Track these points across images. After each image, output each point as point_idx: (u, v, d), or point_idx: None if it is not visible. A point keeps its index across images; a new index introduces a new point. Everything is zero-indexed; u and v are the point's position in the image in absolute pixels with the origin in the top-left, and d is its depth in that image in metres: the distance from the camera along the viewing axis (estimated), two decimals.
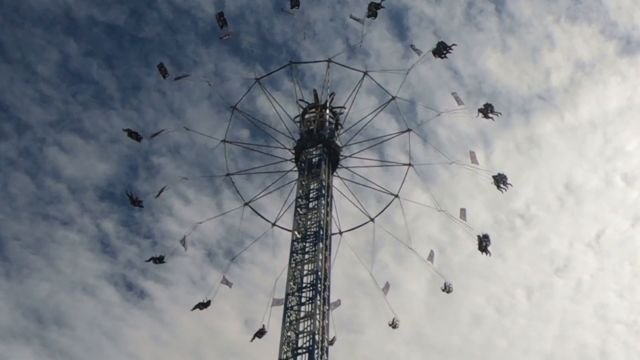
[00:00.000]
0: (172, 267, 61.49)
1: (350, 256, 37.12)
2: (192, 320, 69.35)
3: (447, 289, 37.16)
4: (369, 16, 37.72)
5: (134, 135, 39.21)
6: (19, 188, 68.09)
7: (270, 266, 37.50)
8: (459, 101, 37.58)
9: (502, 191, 36.23)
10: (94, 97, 72.19)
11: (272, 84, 40.53)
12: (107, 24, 72.79)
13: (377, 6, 37.30)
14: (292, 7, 38.18)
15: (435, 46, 36.69)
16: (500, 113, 37.16)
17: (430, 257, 37.24)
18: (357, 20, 38.67)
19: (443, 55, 36.55)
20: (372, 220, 38.76)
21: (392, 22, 68.62)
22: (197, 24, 70.49)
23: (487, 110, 36.86)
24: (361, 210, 38.96)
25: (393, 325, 37.31)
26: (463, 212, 37.05)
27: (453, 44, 36.70)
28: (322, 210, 34.62)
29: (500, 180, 36.58)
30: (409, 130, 38.34)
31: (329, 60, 39.27)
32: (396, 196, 38.48)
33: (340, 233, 38.14)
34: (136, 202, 38.62)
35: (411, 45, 38.46)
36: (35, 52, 70.53)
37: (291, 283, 31.84)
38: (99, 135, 70.27)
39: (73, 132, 71.08)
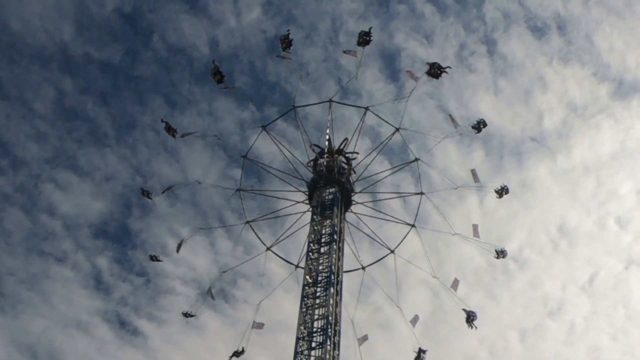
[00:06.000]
0: (165, 305, 64.08)
1: (344, 297, 37.57)
2: (185, 358, 68.38)
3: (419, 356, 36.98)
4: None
5: (171, 130, 38.81)
6: (14, 224, 67.82)
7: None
8: (476, 178, 39.34)
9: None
10: (89, 134, 72.02)
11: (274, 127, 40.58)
12: (103, 62, 72.60)
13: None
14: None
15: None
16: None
17: (414, 321, 38.25)
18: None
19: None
20: (363, 269, 39.79)
21: (385, 64, 69.19)
22: (192, 63, 70.35)
23: (502, 192, 39.26)
24: (356, 257, 39.91)
25: None
26: (456, 282, 38.65)
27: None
28: (334, 255, 35.04)
29: (500, 254, 39.33)
30: (422, 193, 39.69)
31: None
32: (392, 251, 39.67)
33: None
34: (146, 194, 40.27)
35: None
36: (31, 89, 70.04)
37: (302, 327, 31.95)
38: (94, 173, 70.39)
39: (68, 169, 70.63)
